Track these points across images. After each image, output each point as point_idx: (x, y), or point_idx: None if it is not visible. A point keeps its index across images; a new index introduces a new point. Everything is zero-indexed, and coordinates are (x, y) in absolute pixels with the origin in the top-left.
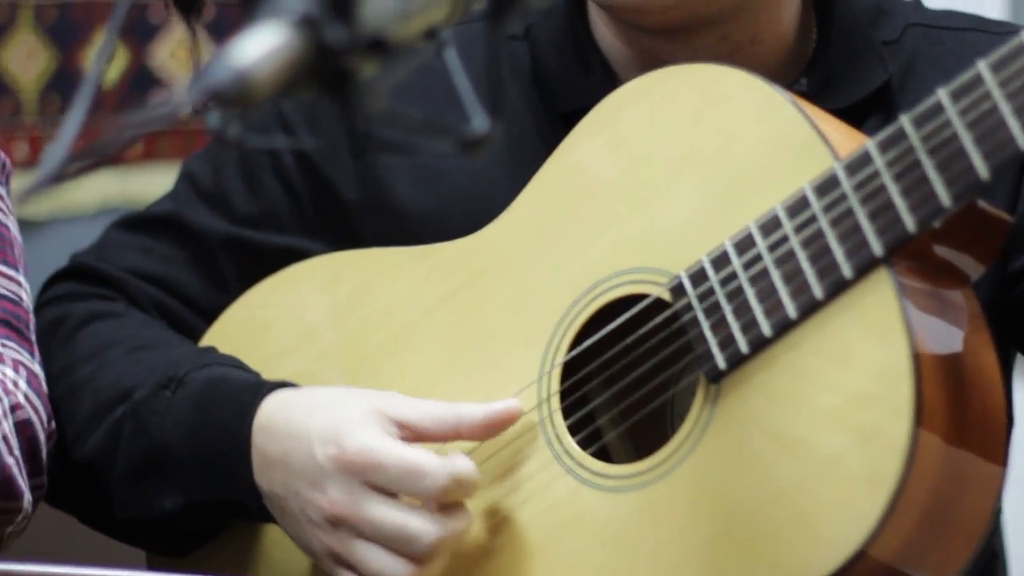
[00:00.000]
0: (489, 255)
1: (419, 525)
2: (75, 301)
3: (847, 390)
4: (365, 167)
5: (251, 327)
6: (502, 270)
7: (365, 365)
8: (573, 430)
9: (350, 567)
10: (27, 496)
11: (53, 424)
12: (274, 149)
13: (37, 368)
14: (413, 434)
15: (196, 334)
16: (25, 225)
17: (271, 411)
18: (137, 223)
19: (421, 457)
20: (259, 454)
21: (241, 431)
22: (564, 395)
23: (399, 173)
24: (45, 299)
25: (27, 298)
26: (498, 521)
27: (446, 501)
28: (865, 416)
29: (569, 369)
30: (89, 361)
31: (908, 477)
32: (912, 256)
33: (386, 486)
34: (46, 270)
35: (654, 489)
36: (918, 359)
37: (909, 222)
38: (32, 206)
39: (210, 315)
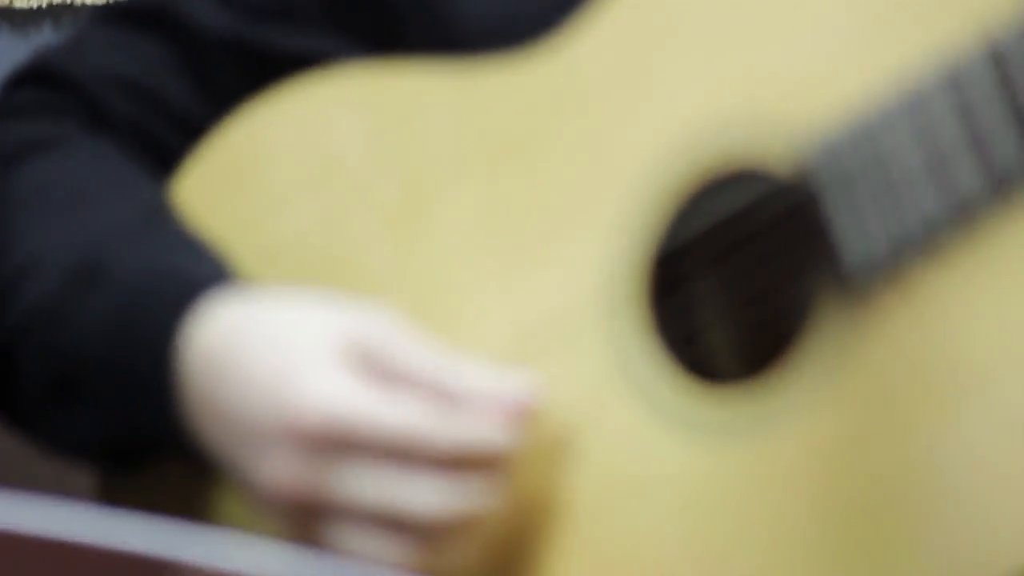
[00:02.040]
0: (552, 86)
1: (417, 495)
2: (21, 120)
3: None
4: None
5: (250, 156)
6: (567, 110)
7: (380, 231)
8: (656, 332)
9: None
10: None
11: None
12: None
13: None
14: (390, 380)
15: (177, 160)
16: None
17: (213, 331)
18: (121, 15)
19: (397, 410)
20: (196, 388)
21: (168, 350)
22: (644, 284)
23: None
24: None
25: None
26: (536, 474)
27: (440, 466)
28: None
29: (651, 253)
30: (13, 214)
31: None
32: None
33: (354, 447)
34: None
35: (761, 441)
36: None
37: None
38: None
39: (199, 136)
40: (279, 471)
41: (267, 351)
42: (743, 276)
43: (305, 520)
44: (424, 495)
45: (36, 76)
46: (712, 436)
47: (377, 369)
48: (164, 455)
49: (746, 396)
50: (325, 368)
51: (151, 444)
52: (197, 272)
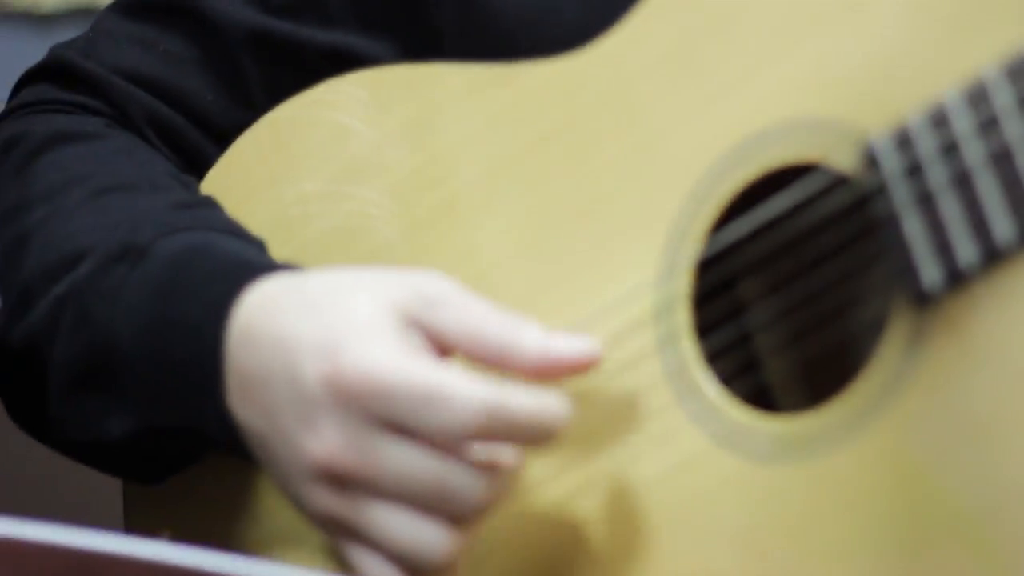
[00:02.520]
0: (596, 86)
1: (459, 478)
2: (41, 113)
3: None
4: None
5: (275, 158)
6: (614, 109)
7: (418, 232)
8: (711, 358)
9: (360, 539)
10: None
11: None
12: None
13: None
14: (443, 348)
15: (202, 162)
16: None
17: (255, 307)
18: (140, 7)
19: (444, 379)
20: (236, 370)
21: (212, 334)
22: (698, 305)
23: None
24: (9, 107)
25: None
26: (584, 491)
27: (484, 439)
28: None
29: (705, 267)
30: (43, 203)
31: None
32: None
33: (400, 421)
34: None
35: (824, 462)
36: None
37: None
38: None
39: (224, 136)
40: (327, 438)
41: (319, 309)
42: (798, 299)
43: (343, 499)
44: (472, 480)
45: (53, 72)
46: (770, 461)
47: (426, 332)
48: (191, 454)
49: (808, 421)
50: (373, 334)
51: (188, 436)
52: (240, 253)
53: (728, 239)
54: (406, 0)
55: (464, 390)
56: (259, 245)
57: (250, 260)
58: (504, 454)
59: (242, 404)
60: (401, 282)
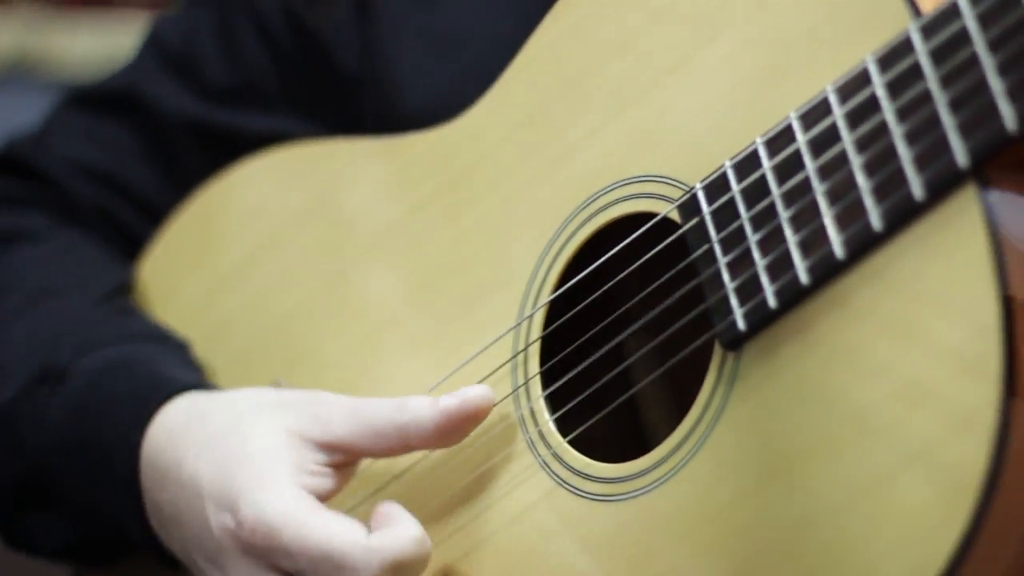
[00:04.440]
0: (467, 151)
1: None
2: None
3: (914, 365)
4: (366, 28)
5: (203, 237)
6: (481, 173)
7: (319, 296)
8: (561, 397)
9: None
10: None
11: None
12: (258, 7)
13: None
14: (348, 456)
15: (143, 241)
16: None
17: (162, 438)
18: (88, 100)
19: (338, 541)
20: (150, 499)
21: (125, 463)
22: (549, 349)
23: (407, 38)
24: None
25: None
26: (461, 529)
27: None
28: (961, 390)
29: (557, 313)
30: None
31: (998, 481)
32: (1012, 168)
33: (300, 573)
34: None
35: (646, 501)
36: (1011, 308)
37: (1008, 116)
38: None
39: (163, 217)
40: (232, 575)
41: (217, 450)
42: (634, 341)
43: None
44: None
45: (6, 165)
46: (600, 502)
47: (328, 455)
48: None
49: (632, 465)
50: (269, 482)
51: (125, 546)
52: (155, 372)
53: (567, 288)
54: (332, 87)
55: (354, 557)
56: (177, 346)
57: (159, 381)
58: None
59: (160, 531)
60: (290, 410)
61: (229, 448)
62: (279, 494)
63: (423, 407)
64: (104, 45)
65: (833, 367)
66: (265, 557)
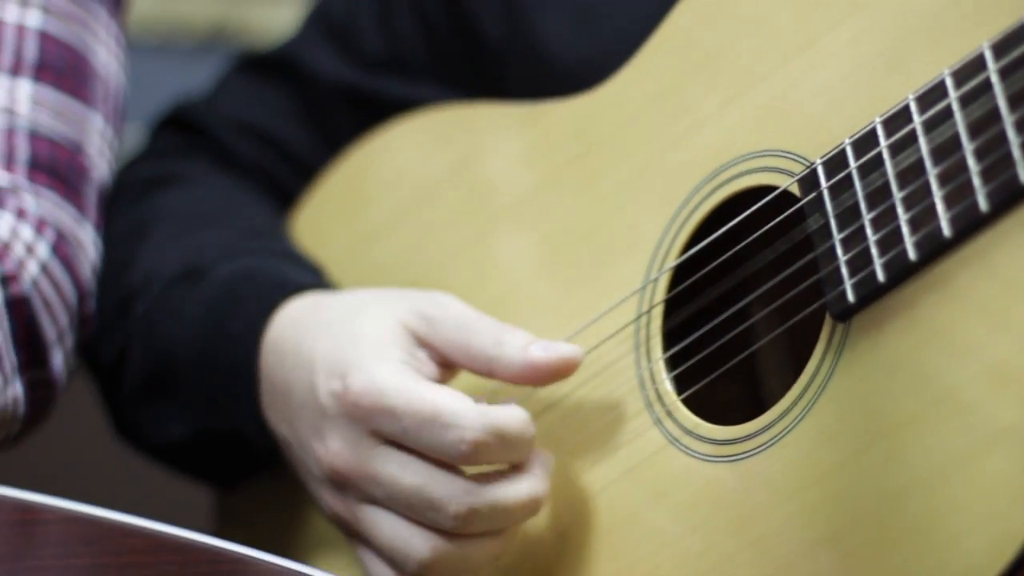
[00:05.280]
0: (604, 121)
1: (442, 489)
2: (161, 158)
3: (1002, 349)
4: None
5: (351, 196)
6: (615, 143)
7: (461, 253)
8: (680, 359)
9: (360, 538)
10: (10, 392)
11: (93, 304)
12: None
13: (83, 231)
14: (442, 359)
15: (296, 198)
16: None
17: (283, 325)
18: (254, 64)
19: (445, 401)
20: (267, 378)
21: (249, 346)
22: (671, 312)
23: (551, 8)
24: (140, 154)
25: (95, 144)
26: (568, 483)
27: (482, 462)
28: None
29: (682, 279)
30: (133, 238)
31: None
32: None
33: (400, 437)
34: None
35: (752, 464)
36: None
37: None
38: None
39: (315, 176)
40: (331, 441)
41: (333, 329)
42: (750, 308)
43: (346, 500)
44: (451, 490)
45: (177, 121)
46: (709, 462)
47: (428, 351)
48: (250, 459)
49: (742, 428)
50: (379, 354)
51: (237, 439)
52: (284, 274)
53: (692, 255)
54: (478, 57)
55: (462, 416)
56: (309, 269)
57: (286, 281)
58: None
59: (271, 410)
60: (406, 303)
61: (345, 328)
62: (391, 367)
63: (515, 348)
64: (300, 17)
65: (930, 345)
66: (367, 421)
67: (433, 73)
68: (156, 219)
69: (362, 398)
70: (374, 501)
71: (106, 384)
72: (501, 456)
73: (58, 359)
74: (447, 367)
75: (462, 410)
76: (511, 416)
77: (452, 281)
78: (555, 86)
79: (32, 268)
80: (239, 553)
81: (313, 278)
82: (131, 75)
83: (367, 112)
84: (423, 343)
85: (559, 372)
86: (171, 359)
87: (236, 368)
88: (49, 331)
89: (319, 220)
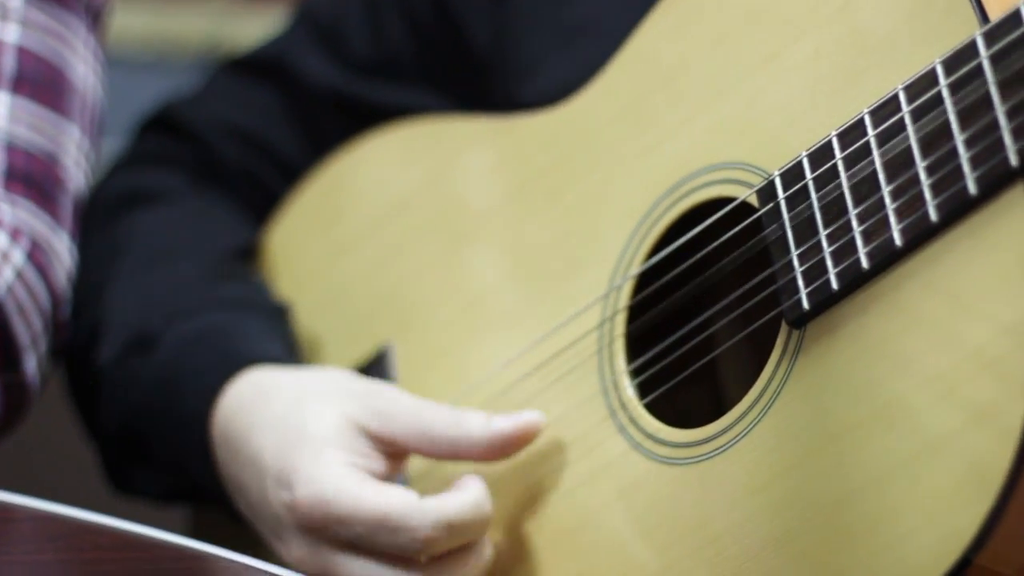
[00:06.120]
0: (570, 135)
1: None
2: (141, 168)
3: (961, 350)
4: (500, 14)
5: (328, 206)
6: (581, 157)
7: (433, 263)
8: (643, 366)
9: None
10: None
11: (67, 311)
12: None
13: (58, 240)
14: (395, 450)
15: (281, 202)
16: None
17: (232, 409)
18: (241, 66)
19: (391, 504)
20: (222, 469)
21: (200, 432)
22: (634, 320)
23: (537, 28)
24: (122, 158)
25: (71, 155)
26: (531, 488)
27: (440, 552)
28: (978, 387)
29: (645, 288)
30: (104, 264)
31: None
32: None
33: (357, 541)
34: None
35: (710, 466)
36: None
37: None
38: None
39: (302, 178)
40: (294, 552)
41: (278, 430)
42: (708, 317)
43: None
44: None
45: (161, 123)
46: (668, 465)
47: (378, 442)
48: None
49: (701, 431)
50: (323, 460)
51: (209, 499)
52: (234, 343)
53: (651, 264)
54: (465, 66)
55: (409, 517)
56: (270, 312)
57: (234, 355)
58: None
59: (233, 496)
60: (355, 401)
61: (290, 428)
62: (335, 472)
63: (477, 426)
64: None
65: (877, 353)
66: (322, 532)
67: (422, 77)
68: (126, 247)
69: (312, 511)
70: None
71: (88, 422)
72: (457, 542)
73: (32, 363)
74: (396, 457)
75: (409, 510)
76: (461, 505)
77: (424, 291)
78: (533, 103)
79: (7, 274)
80: (204, 551)
81: (263, 343)
82: (125, 91)
83: (355, 116)
84: (376, 438)
85: (524, 439)
86: (136, 426)
87: (193, 451)
88: (23, 336)
89: (294, 232)
